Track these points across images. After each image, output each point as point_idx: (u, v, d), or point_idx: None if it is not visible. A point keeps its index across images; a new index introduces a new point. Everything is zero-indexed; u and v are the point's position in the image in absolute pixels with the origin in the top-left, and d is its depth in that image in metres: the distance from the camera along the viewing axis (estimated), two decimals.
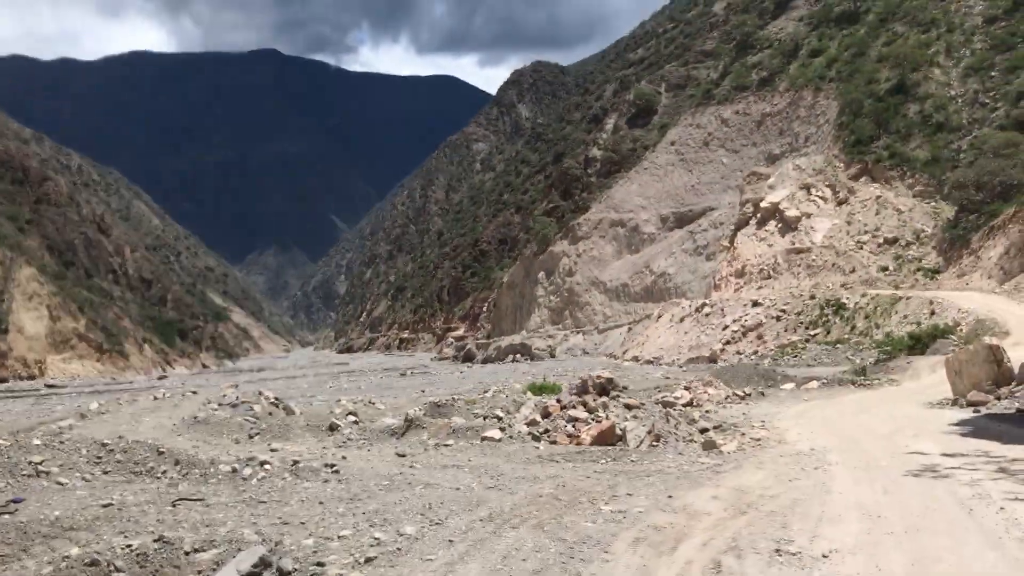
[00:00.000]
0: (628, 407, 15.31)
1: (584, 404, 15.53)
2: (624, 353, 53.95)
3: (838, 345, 35.64)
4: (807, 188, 52.40)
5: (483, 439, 13.69)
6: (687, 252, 62.14)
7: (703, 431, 14.35)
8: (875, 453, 11.25)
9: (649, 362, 48.47)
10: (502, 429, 14.24)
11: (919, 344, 26.18)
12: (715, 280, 55.36)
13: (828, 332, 39.18)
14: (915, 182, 47.96)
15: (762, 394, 20.82)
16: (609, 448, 12.92)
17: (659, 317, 54.33)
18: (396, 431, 14.59)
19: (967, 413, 14.49)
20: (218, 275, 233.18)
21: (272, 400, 16.54)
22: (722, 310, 48.86)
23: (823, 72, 61.85)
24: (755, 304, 46.18)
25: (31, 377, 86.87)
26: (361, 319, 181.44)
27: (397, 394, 27.47)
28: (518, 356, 60.39)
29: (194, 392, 19.46)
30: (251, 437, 13.88)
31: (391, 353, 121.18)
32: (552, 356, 60.05)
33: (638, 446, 13.36)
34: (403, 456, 12.20)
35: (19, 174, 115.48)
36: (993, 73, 49.68)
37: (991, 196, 40.65)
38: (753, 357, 39.75)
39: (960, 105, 49.54)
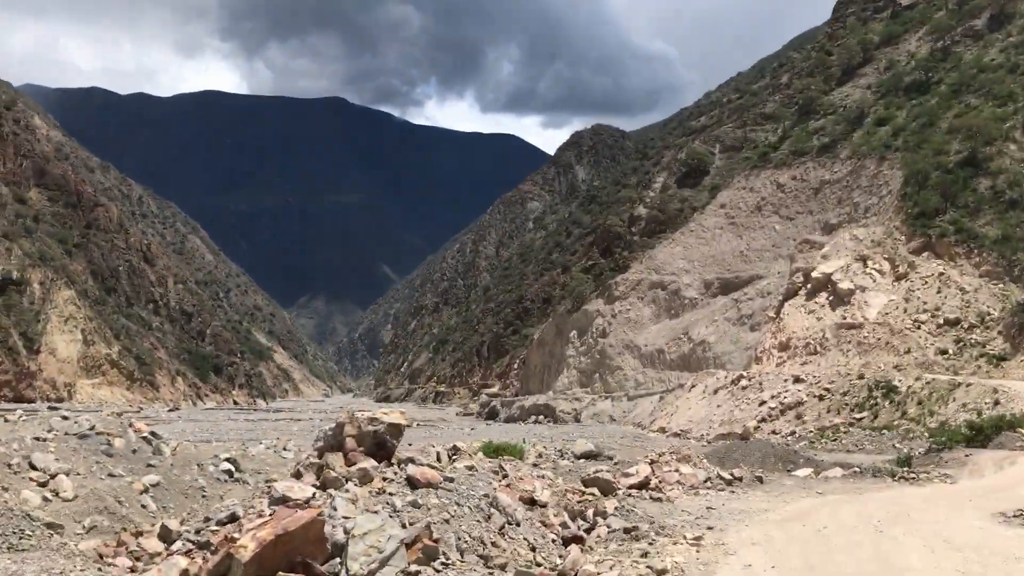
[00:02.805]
0: (415, 484, 10.10)
1: (321, 471, 10.45)
2: (652, 423, 50.18)
3: (885, 432, 31.68)
4: (863, 260, 48.56)
5: None
6: (730, 321, 58.37)
7: (572, 540, 10.37)
8: None
9: (676, 435, 44.74)
10: None
11: (980, 435, 22.28)
12: (757, 352, 51.52)
13: (875, 416, 35.23)
14: (982, 261, 43.85)
15: (759, 480, 16.94)
16: None
17: (692, 387, 50.52)
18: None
19: None
20: (265, 315, 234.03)
21: (146, 435, 13.78)
22: (760, 384, 45.02)
23: (889, 141, 58.40)
24: (797, 380, 42.31)
25: (59, 400, 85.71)
26: (402, 369, 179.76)
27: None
28: (541, 417, 56.91)
29: (64, 417, 16.50)
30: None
31: (424, 406, 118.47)
32: (577, 420, 56.45)
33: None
34: None
35: (73, 198, 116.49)
36: None
37: None
38: (789, 438, 35.83)
39: None
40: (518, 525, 10.28)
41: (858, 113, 65.31)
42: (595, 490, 13.43)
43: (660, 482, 15.09)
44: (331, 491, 9.64)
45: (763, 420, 41.79)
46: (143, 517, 11.16)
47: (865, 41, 73.49)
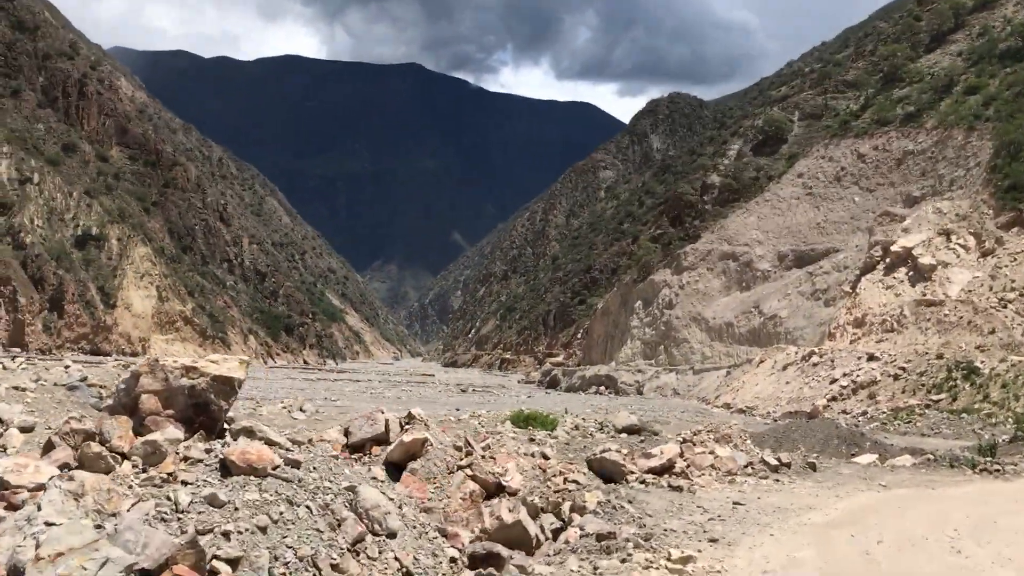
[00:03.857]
0: (229, 470, 7.11)
1: (93, 442, 7.19)
2: (717, 398, 48.78)
3: (964, 415, 29.85)
4: (947, 234, 46.03)
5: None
6: (803, 295, 56.23)
7: (485, 559, 7.94)
8: None
9: (741, 411, 43.34)
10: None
11: None
12: (831, 328, 49.51)
13: (954, 399, 33.32)
14: None
15: (811, 467, 14.36)
16: None
17: (760, 362, 48.90)
18: None
19: None
20: (339, 278, 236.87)
21: None
22: (832, 361, 43.28)
23: (979, 111, 55.20)
24: (871, 358, 40.48)
25: (134, 354, 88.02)
26: (469, 335, 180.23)
27: (421, 407, 23.68)
28: (602, 388, 55.89)
29: (67, 367, 15.73)
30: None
31: (490, 372, 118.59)
32: (639, 393, 55.27)
33: None
34: None
35: (152, 157, 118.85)
36: None
37: None
38: (860, 419, 34.18)
39: None
40: (391, 537, 7.45)
41: (946, 81, 61.99)
42: (588, 479, 11.44)
43: (688, 466, 12.94)
44: (53, 480, 6.29)
45: (833, 399, 40.14)
46: None
47: (957, 5, 69.64)
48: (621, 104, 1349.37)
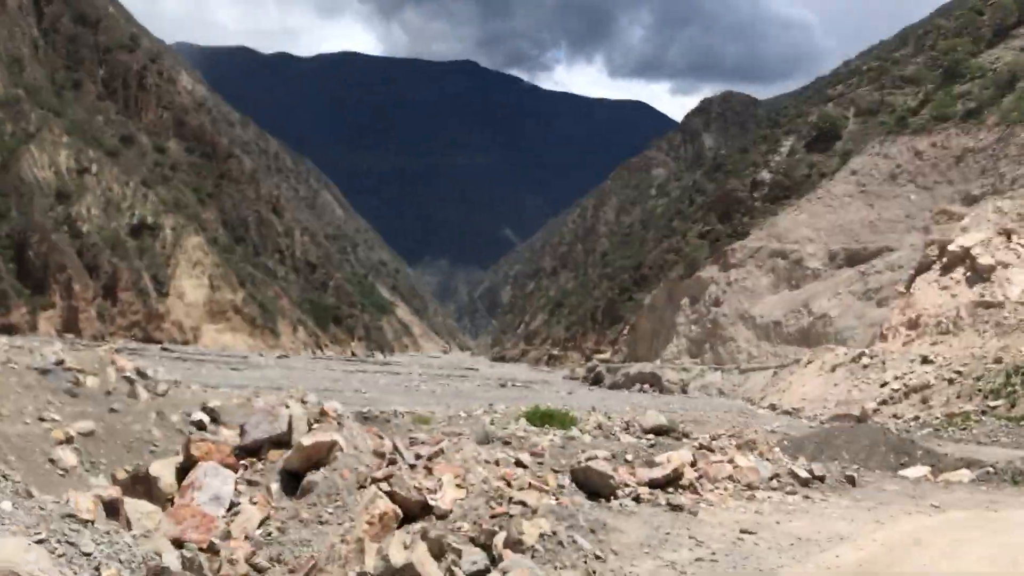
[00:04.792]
0: None
1: None
2: (762, 399, 47.70)
3: (1023, 422, 28.55)
4: (1007, 234, 44.37)
5: None
6: (855, 294, 54.78)
7: None
8: None
9: (787, 413, 42.25)
10: None
11: None
12: (882, 329, 48.11)
13: (1013, 405, 31.90)
14: None
15: (850, 481, 12.53)
16: None
17: (808, 363, 47.70)
18: None
19: None
20: (390, 270, 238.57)
21: (128, 374, 11.88)
22: (883, 363, 41.98)
23: None
24: (925, 361, 39.14)
25: (184, 342, 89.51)
26: (518, 330, 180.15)
27: (449, 403, 23.43)
28: (646, 386, 55.13)
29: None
30: None
31: (538, 367, 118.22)
32: (684, 391, 54.37)
33: None
34: None
35: (208, 149, 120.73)
36: None
37: None
38: (912, 424, 33.02)
39: None
40: None
41: (1009, 77, 59.99)
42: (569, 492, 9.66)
43: (700, 477, 11.21)
44: None
45: (884, 402, 38.92)
46: (43, 475, 9.25)
47: None
48: (674, 103, 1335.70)
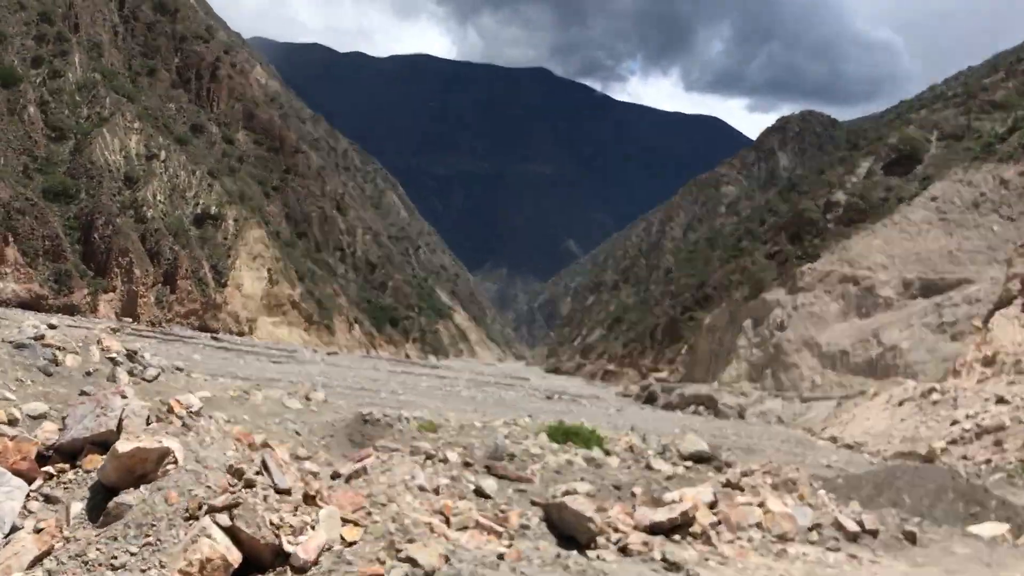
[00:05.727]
0: None
1: None
2: (823, 430, 45.41)
3: None
4: None
5: None
6: (928, 327, 51.99)
7: None
8: None
9: (848, 447, 40.02)
10: None
11: None
12: (956, 364, 45.45)
13: None
14: None
15: (909, 539, 10.38)
16: None
17: (875, 395, 45.36)
18: None
19: None
20: (450, 275, 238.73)
21: (113, 355, 10.70)
22: (954, 400, 39.49)
23: None
24: (1000, 400, 36.66)
25: (240, 333, 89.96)
26: (575, 343, 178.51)
27: (487, 411, 22.10)
28: (701, 408, 53.10)
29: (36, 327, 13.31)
30: None
31: (592, 382, 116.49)
32: (741, 417, 52.25)
33: None
34: None
35: (276, 143, 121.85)
36: None
37: None
38: (983, 467, 30.66)
39: None
40: None
41: None
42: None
43: (719, 523, 9.08)
44: None
45: (953, 442, 36.46)
46: None
47: None
48: (751, 120, 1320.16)
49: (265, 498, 6.28)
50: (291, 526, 6.11)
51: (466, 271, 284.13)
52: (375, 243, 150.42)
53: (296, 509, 6.36)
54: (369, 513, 6.73)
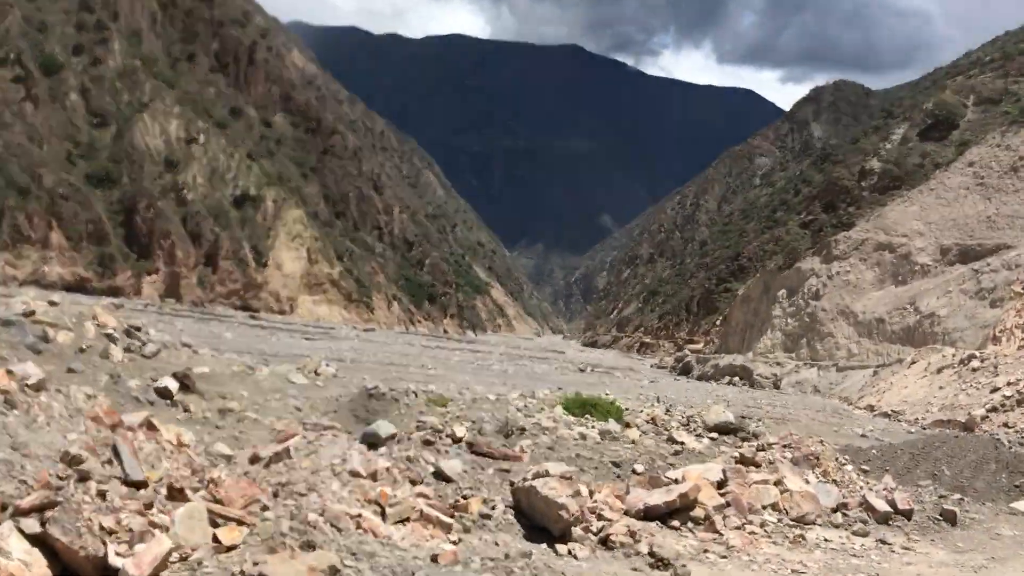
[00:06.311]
0: None
1: None
2: (860, 399, 45.36)
3: None
4: None
5: None
6: (966, 293, 51.57)
7: None
8: None
9: (885, 415, 39.99)
10: None
11: None
12: (995, 331, 45.13)
13: None
14: None
15: (948, 519, 9.17)
16: None
17: (912, 363, 45.10)
18: None
19: None
20: (487, 251, 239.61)
21: (111, 331, 10.35)
22: (995, 367, 39.24)
23: None
24: None
25: (280, 312, 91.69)
26: (611, 316, 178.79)
27: (516, 384, 22.67)
28: (735, 379, 53.27)
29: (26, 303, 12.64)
30: None
31: (628, 354, 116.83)
32: (776, 387, 52.29)
33: None
34: None
35: (313, 124, 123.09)
36: None
37: None
38: None
39: None
40: None
41: None
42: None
43: (727, 504, 7.91)
44: None
45: (993, 409, 36.31)
46: None
47: None
48: (784, 91, 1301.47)
49: (102, 494, 5.06)
50: (130, 530, 4.86)
51: (503, 247, 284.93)
52: (412, 221, 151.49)
53: (148, 507, 5.22)
54: (265, 507, 5.67)
